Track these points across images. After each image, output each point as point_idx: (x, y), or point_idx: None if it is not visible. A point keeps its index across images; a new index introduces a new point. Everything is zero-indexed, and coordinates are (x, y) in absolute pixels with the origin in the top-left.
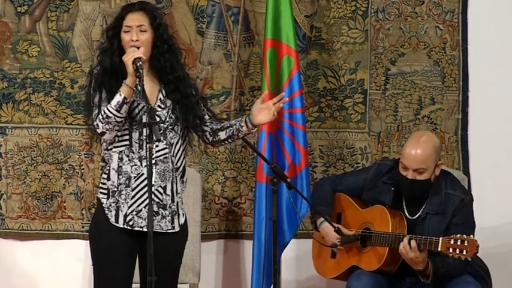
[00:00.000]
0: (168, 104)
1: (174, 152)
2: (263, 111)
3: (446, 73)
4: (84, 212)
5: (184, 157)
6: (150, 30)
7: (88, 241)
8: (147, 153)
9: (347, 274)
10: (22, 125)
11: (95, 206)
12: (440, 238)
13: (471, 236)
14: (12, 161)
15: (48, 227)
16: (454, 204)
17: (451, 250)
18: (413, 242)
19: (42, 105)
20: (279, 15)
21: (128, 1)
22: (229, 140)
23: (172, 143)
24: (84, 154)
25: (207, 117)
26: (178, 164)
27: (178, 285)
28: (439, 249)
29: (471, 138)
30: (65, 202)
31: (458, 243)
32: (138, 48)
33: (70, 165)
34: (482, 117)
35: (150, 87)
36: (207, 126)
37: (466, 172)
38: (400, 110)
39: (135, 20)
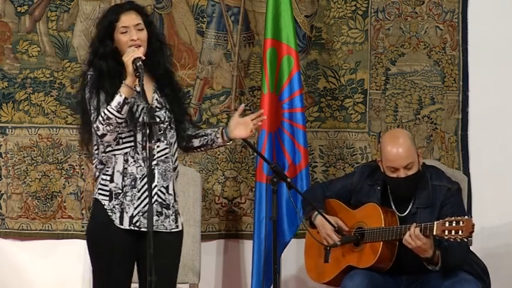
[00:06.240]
0: (164, 104)
1: (173, 151)
2: (240, 126)
3: (446, 73)
4: (84, 212)
5: (177, 157)
6: (145, 29)
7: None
8: (147, 153)
9: (341, 277)
10: (22, 125)
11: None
12: (435, 222)
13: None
14: (12, 161)
15: (48, 227)
16: (442, 195)
17: (446, 232)
18: (416, 230)
19: (42, 105)
20: (279, 15)
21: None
22: (202, 149)
23: (172, 143)
24: (84, 154)
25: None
26: (176, 164)
27: (179, 285)
28: (434, 233)
29: (471, 138)
30: (65, 202)
31: (454, 224)
32: (139, 47)
33: (70, 165)
34: (482, 117)
35: (146, 87)
36: (184, 131)
37: (466, 172)
38: (400, 110)
39: (131, 19)
